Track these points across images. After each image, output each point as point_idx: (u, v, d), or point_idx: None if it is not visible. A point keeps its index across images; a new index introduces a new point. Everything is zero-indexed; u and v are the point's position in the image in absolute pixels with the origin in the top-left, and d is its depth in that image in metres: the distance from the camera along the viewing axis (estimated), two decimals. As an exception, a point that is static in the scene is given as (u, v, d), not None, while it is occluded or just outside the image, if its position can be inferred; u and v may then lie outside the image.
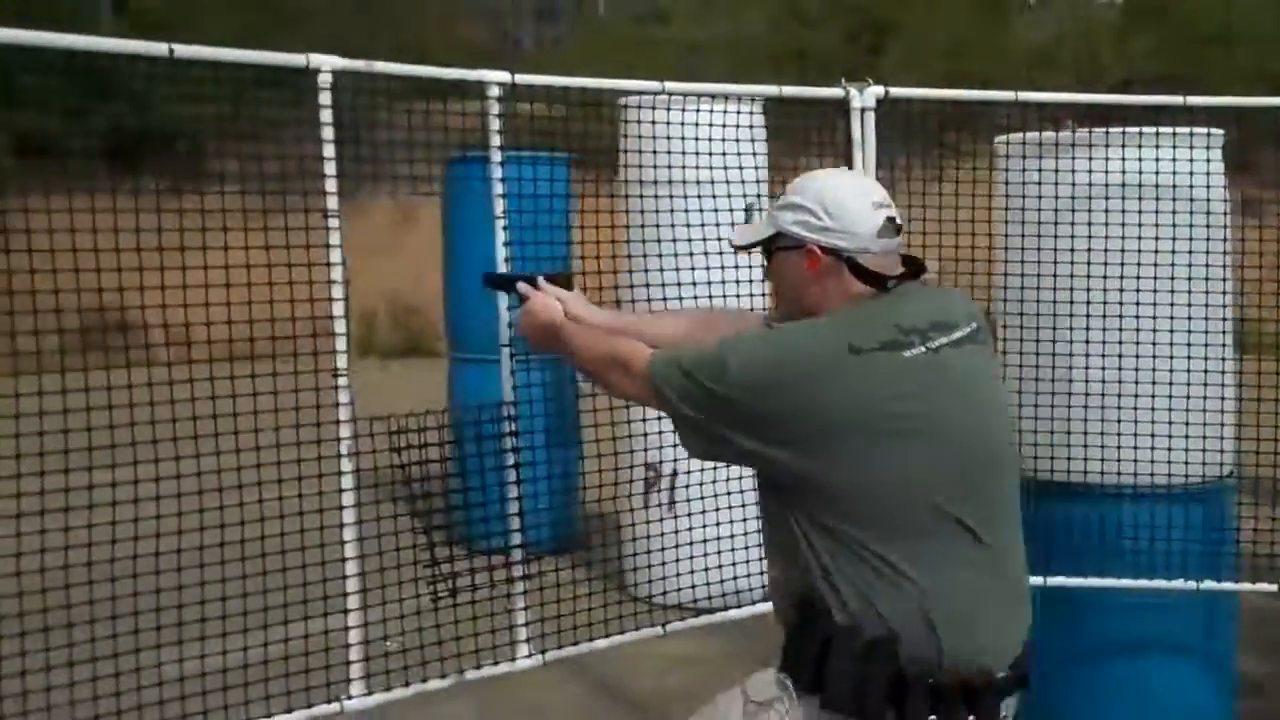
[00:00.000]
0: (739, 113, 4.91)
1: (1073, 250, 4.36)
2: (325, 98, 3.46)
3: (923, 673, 2.69)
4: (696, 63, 21.62)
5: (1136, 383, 4.44)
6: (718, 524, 4.60)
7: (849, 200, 2.85)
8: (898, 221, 2.89)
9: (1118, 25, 22.78)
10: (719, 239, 4.41)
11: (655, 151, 4.34)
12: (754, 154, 5.60)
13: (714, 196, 4.46)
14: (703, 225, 4.41)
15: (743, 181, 4.80)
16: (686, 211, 4.42)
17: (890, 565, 2.71)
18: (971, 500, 2.77)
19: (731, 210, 4.60)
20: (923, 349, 2.77)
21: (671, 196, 4.40)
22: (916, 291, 2.90)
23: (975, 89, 4.55)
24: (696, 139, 4.41)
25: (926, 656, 2.69)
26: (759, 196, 5.82)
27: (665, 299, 4.58)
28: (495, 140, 3.75)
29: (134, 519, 3.35)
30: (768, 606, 4.28)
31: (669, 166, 4.34)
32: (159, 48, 3.23)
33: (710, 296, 4.44)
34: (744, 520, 4.49)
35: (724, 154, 4.53)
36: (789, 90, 4.36)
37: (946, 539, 2.74)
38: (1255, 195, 5.54)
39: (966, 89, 4.59)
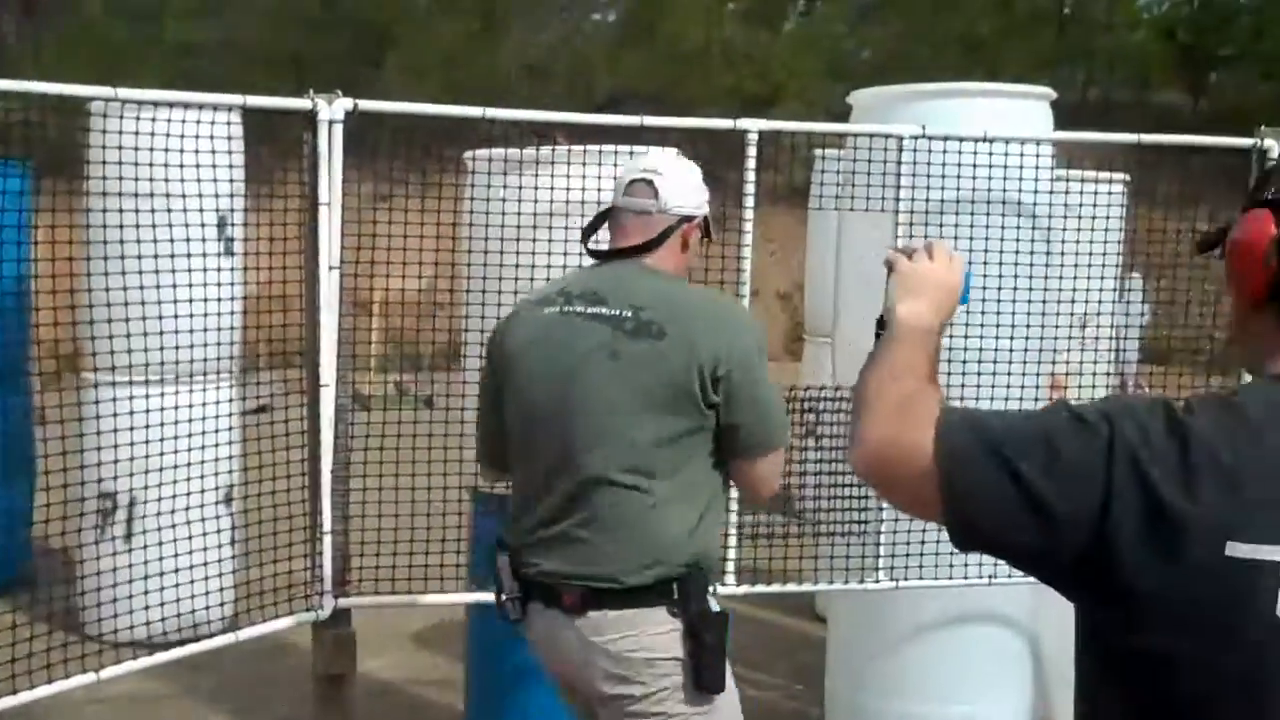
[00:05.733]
0: (213, 122, 4.81)
1: (534, 265, 4.39)
2: None
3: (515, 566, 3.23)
4: (195, 66, 20.89)
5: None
6: (175, 555, 4.49)
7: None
8: (651, 181, 3.22)
9: (610, 40, 23.62)
10: (187, 254, 4.33)
11: (119, 163, 4.15)
12: (229, 165, 5.52)
13: (184, 210, 4.37)
14: (171, 239, 4.31)
15: (215, 195, 4.71)
16: (154, 226, 4.30)
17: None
18: (524, 447, 3.23)
19: (203, 224, 4.53)
20: (557, 310, 3.17)
21: (138, 211, 4.27)
22: (614, 268, 3.22)
23: (473, 103, 4.50)
24: (166, 150, 4.25)
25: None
26: (231, 210, 5.70)
27: (128, 317, 4.39)
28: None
29: None
30: (228, 638, 4.22)
31: (136, 179, 4.17)
32: None
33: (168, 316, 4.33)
34: (204, 550, 4.44)
35: (196, 165, 4.41)
36: (254, 101, 4.22)
37: (519, 476, 3.30)
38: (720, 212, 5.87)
39: (460, 103, 4.58)
